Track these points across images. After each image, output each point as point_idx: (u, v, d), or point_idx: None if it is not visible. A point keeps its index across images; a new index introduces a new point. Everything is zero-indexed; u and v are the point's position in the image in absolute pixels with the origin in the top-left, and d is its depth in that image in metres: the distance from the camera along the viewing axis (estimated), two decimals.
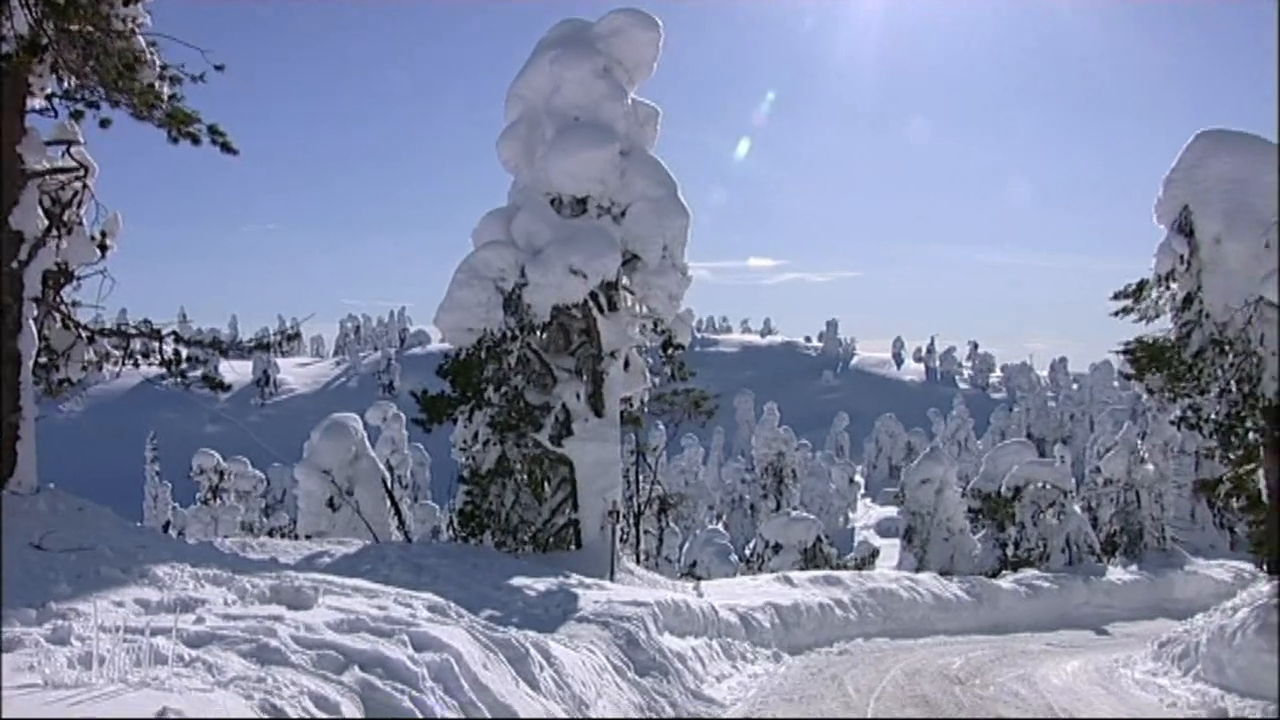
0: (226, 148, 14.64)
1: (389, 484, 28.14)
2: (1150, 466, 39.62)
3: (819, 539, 38.37)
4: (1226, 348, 17.33)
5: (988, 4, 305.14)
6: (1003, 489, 34.86)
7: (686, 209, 21.52)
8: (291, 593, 9.02)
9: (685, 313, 22.61)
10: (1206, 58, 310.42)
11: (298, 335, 24.61)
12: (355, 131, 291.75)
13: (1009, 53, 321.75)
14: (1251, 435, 17.98)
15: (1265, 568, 18.54)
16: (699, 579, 26.64)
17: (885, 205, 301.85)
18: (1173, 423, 24.38)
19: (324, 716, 6.17)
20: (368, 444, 27.80)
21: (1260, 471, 18.19)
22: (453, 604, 10.29)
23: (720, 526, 63.26)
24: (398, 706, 6.87)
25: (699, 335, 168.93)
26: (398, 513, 28.08)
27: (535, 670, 9.33)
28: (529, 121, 21.85)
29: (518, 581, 15.88)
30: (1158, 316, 19.24)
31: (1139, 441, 41.51)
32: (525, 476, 21.37)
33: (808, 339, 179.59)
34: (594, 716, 9.72)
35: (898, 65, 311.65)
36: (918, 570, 32.14)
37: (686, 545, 49.96)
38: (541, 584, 15.76)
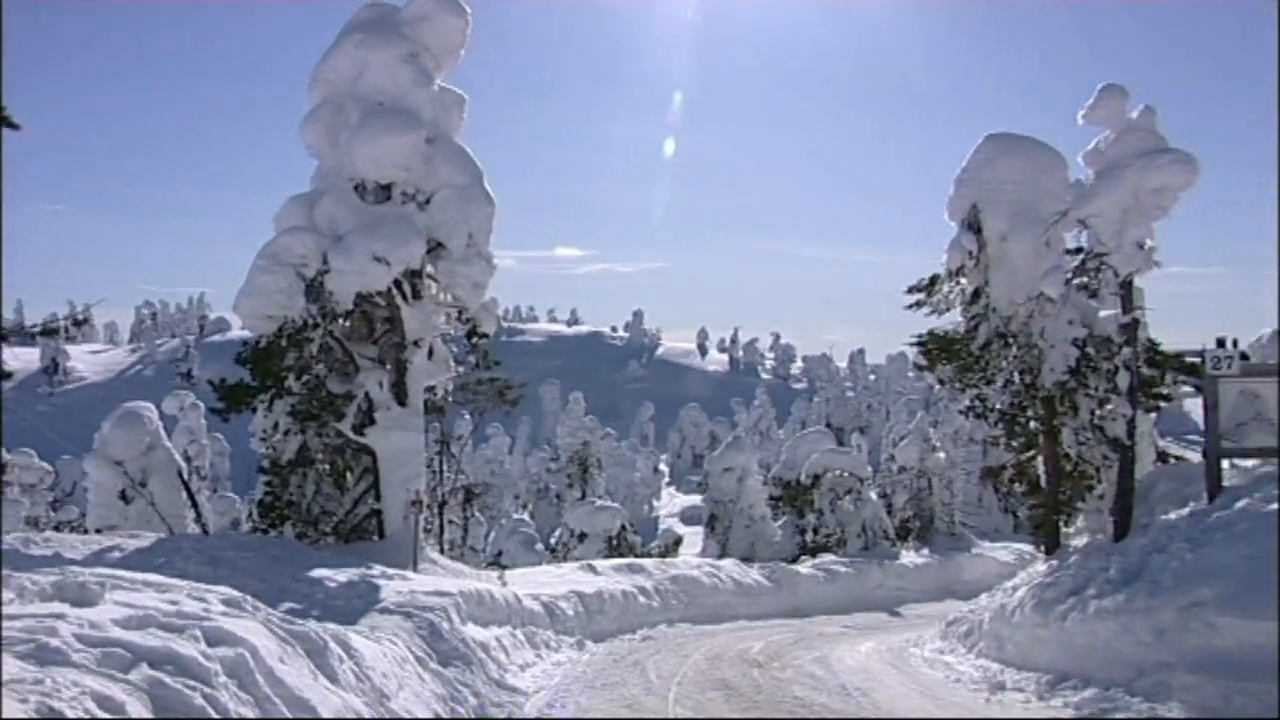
0: (7, 122, 13.90)
1: (185, 475, 27.19)
2: (941, 454, 41.20)
3: (623, 527, 38.68)
4: (1011, 340, 18.16)
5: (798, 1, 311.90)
6: (802, 477, 35.77)
7: (492, 197, 21.38)
8: (76, 589, 8.61)
9: (490, 301, 22.48)
10: (998, 62, 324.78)
11: (88, 321, 23.57)
12: (150, 113, 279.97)
13: (818, 49, 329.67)
14: (1032, 424, 18.91)
15: (1043, 549, 19.52)
16: (504, 568, 26.54)
17: (692, 197, 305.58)
18: (961, 412, 25.37)
19: (107, 717, 5.91)
20: (163, 434, 26.83)
21: (1039, 458, 19.16)
22: (250, 598, 9.99)
23: (526, 515, 63.19)
24: (189, 704, 6.63)
25: (505, 324, 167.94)
26: (194, 505, 27.17)
27: (335, 663, 9.16)
28: (333, 105, 21.37)
29: (318, 573, 15.57)
30: (948, 310, 20.01)
31: (931, 430, 43.10)
32: (327, 466, 20.95)
33: (614, 329, 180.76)
34: (395, 708, 9.60)
35: (708, 59, 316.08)
36: (720, 557, 32.75)
37: (492, 535, 49.72)
38: (343, 575, 15.49)
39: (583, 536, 38.04)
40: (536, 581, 21.13)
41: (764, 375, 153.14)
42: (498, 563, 35.74)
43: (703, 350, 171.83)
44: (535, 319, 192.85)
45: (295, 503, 20.21)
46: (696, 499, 64.09)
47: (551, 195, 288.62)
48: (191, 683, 6.82)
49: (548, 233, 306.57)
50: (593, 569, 23.53)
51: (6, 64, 13.24)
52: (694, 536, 49.78)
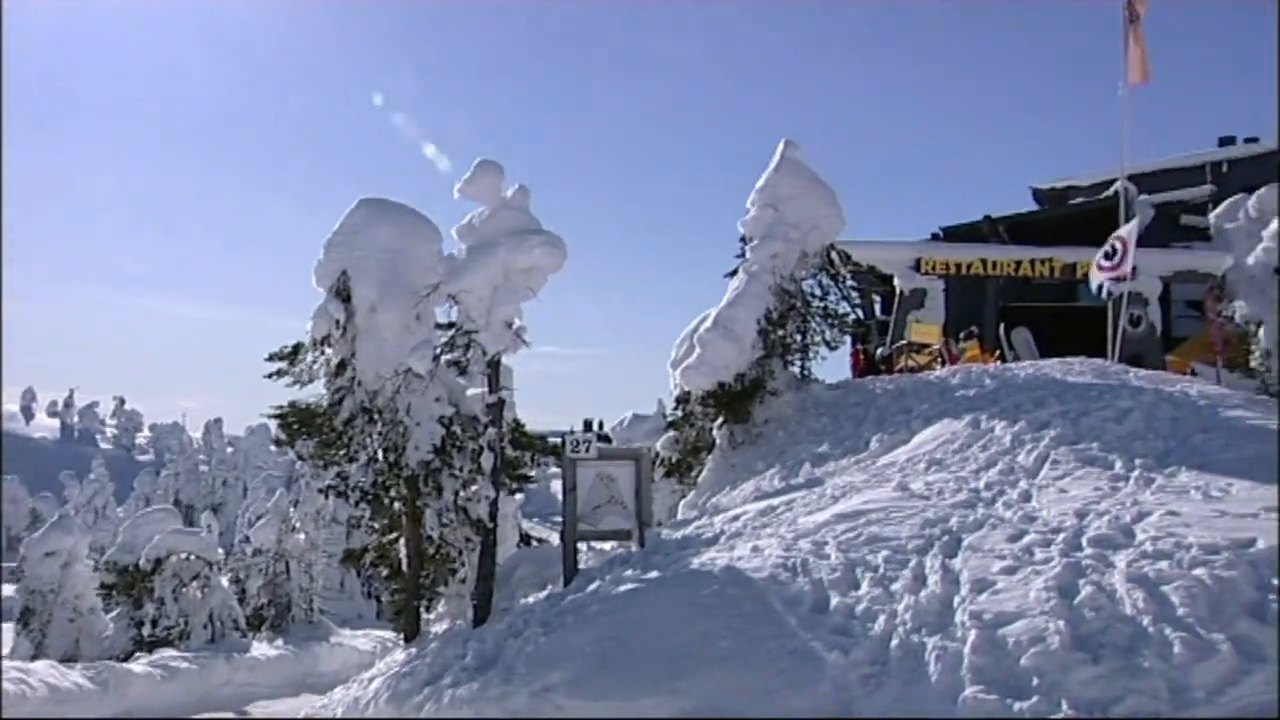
0: None
1: None
2: (302, 535, 41.32)
3: None
4: (376, 416, 18.77)
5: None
6: (143, 561, 34.39)
7: None
8: None
9: None
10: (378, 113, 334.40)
11: None
12: None
13: (220, 79, 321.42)
14: (396, 504, 19.66)
15: (403, 636, 20.28)
16: None
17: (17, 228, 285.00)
18: (323, 491, 25.78)
19: None
20: None
21: (402, 540, 19.94)
22: None
23: None
24: None
25: None
26: None
27: None
28: None
29: None
30: (312, 381, 20.27)
31: (291, 509, 43.09)
32: None
33: None
34: None
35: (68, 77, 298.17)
36: (34, 658, 30.65)
37: None
38: None
39: None
40: None
41: (104, 445, 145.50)
42: None
43: (28, 414, 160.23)
44: None
45: None
46: (9, 589, 59.55)
47: None
48: None
49: None
50: None
51: None
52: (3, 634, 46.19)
